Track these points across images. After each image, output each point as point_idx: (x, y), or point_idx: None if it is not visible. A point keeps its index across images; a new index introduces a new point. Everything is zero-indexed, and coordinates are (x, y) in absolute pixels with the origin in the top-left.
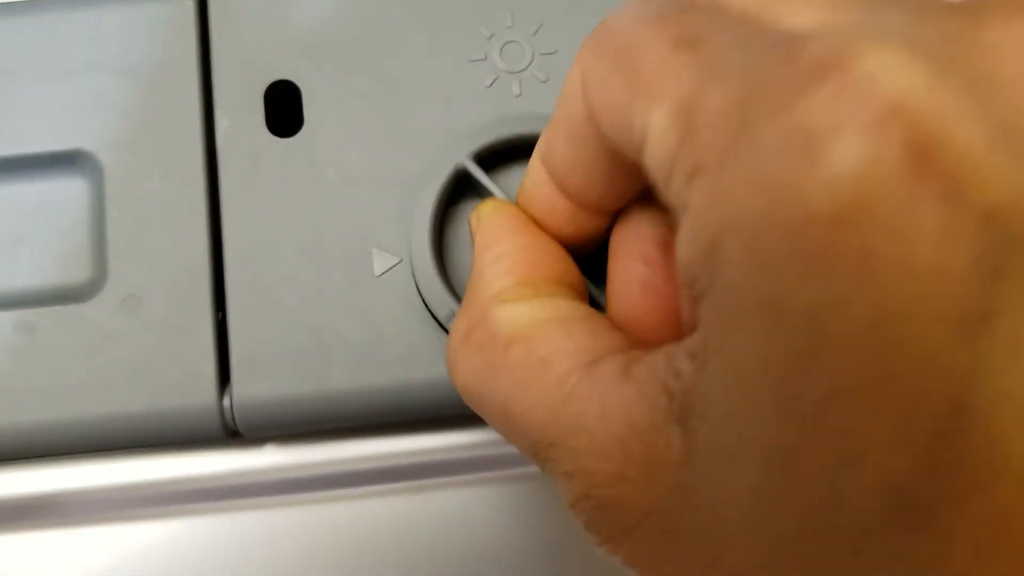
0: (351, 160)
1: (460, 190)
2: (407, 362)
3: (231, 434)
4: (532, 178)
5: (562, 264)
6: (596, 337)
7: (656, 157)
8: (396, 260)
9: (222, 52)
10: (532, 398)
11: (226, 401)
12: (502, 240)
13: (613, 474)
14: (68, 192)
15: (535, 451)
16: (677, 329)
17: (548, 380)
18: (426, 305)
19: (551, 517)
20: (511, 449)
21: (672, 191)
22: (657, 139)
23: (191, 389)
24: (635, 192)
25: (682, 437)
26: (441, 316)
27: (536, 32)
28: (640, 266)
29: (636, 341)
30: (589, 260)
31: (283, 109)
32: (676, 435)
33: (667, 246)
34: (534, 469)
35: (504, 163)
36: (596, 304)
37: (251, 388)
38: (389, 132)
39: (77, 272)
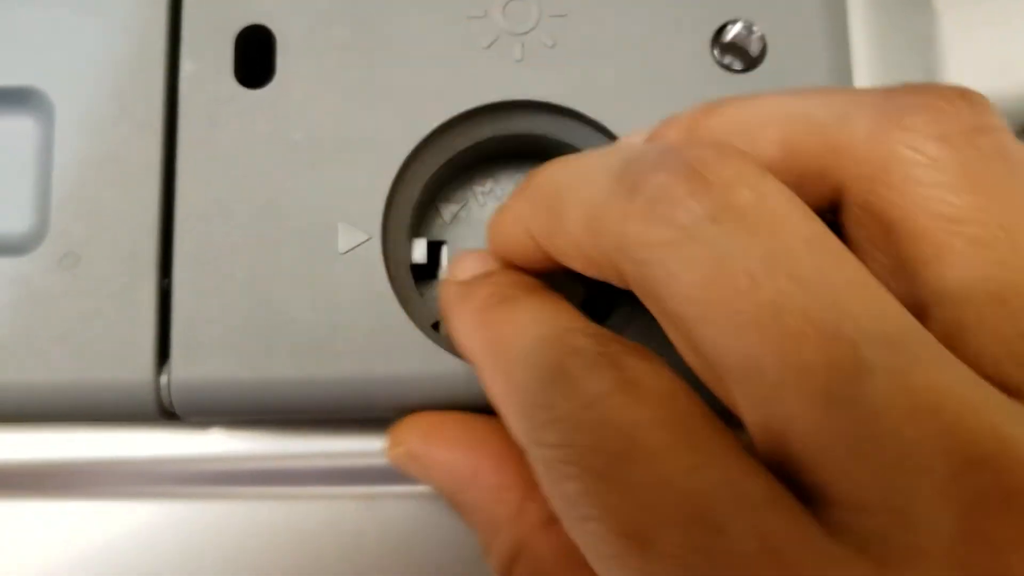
0: (323, 119)
1: (458, 168)
2: (367, 353)
3: (167, 415)
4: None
5: None
6: None
7: None
8: (365, 237)
9: None
10: None
11: (163, 379)
12: None
13: None
14: (14, 132)
15: None
16: None
17: None
18: (395, 292)
19: None
20: None
21: None
22: None
23: (126, 362)
24: None
25: None
26: (410, 305)
27: None
28: None
29: None
30: None
31: (255, 57)
32: None
33: None
34: None
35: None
36: None
37: (193, 366)
38: (369, 91)
39: (16, 222)
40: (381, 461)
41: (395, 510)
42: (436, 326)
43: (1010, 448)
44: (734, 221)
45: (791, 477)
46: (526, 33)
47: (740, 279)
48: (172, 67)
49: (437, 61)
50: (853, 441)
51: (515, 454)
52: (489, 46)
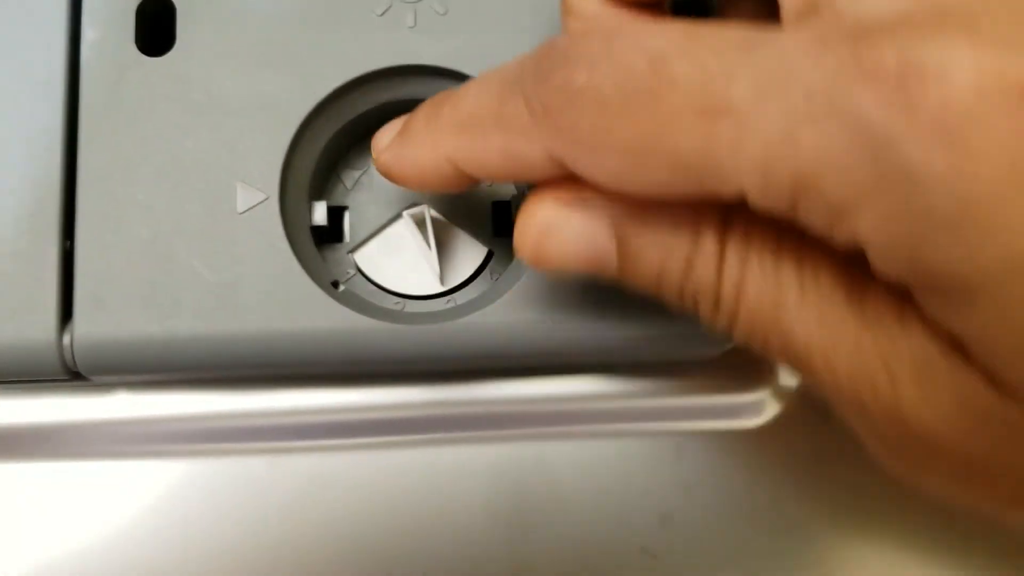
0: (223, 84)
1: (357, 134)
2: (267, 310)
3: (72, 374)
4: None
5: None
6: None
7: None
8: (262, 197)
9: None
10: None
11: (67, 337)
12: None
13: None
14: None
15: None
16: None
17: None
18: (294, 251)
19: (408, 487)
20: (382, 415)
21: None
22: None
23: (29, 322)
24: None
25: None
26: (309, 264)
27: None
28: None
29: None
30: None
31: (155, 26)
32: None
33: None
34: (393, 439)
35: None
36: None
37: (95, 325)
38: (267, 58)
39: None
40: (288, 419)
41: (300, 464)
42: (336, 284)
43: None
44: None
45: None
46: (418, 1)
47: None
48: (74, 36)
49: (332, 28)
50: None
51: None
52: (383, 13)
